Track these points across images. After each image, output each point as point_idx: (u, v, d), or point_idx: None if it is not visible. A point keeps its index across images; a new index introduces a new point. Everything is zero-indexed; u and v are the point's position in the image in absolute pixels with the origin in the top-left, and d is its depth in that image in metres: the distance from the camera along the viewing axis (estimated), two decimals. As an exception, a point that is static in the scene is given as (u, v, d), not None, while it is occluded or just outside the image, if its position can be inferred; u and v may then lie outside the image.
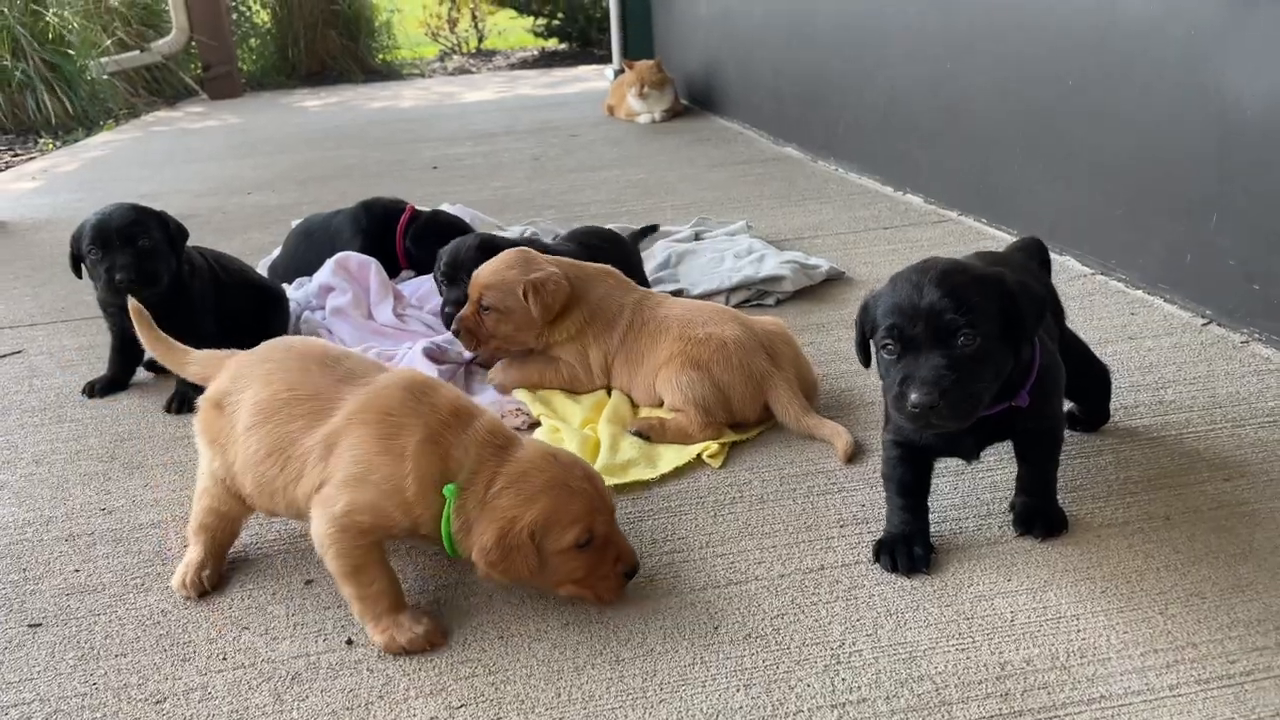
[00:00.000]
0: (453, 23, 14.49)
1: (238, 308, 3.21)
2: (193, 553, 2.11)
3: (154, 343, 2.25)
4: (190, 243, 3.21)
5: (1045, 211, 3.86)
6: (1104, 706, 1.63)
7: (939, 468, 2.31)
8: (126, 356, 3.19)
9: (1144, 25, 3.22)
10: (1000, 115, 4.08)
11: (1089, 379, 2.41)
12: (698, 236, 4.11)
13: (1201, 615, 1.82)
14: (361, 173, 6.55)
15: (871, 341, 1.92)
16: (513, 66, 13.07)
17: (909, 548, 2.01)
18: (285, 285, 3.73)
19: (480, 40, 14.60)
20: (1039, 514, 2.08)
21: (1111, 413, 2.50)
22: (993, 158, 4.17)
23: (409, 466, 1.82)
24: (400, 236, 3.84)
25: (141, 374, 3.27)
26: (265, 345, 2.13)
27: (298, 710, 1.75)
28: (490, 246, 3.05)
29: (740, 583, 2.01)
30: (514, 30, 14.54)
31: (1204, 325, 3.06)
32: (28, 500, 2.53)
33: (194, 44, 11.40)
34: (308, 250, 3.75)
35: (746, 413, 2.60)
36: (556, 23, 13.32)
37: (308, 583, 2.10)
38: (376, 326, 3.34)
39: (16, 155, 8.34)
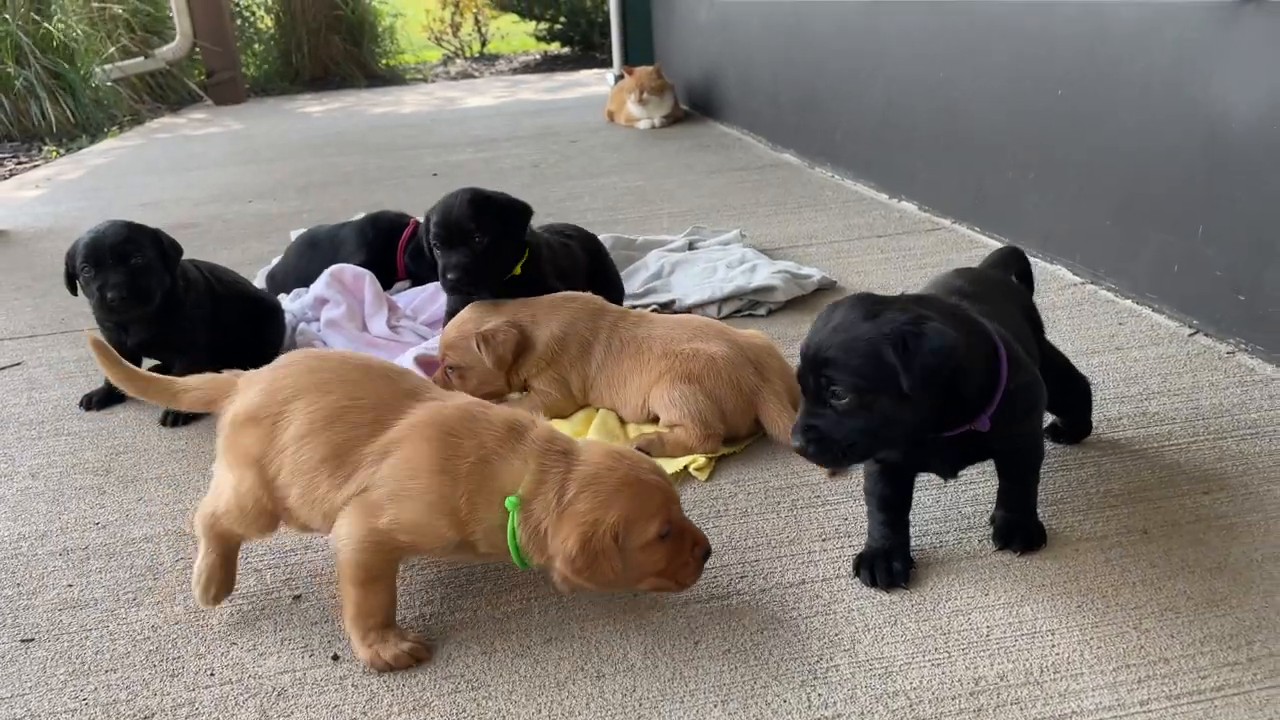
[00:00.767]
0: (455, 27, 14.53)
1: (233, 320, 3.24)
2: (209, 558, 2.07)
3: (131, 379, 2.15)
4: (189, 254, 3.24)
5: (1036, 220, 3.88)
6: (1075, 722, 1.65)
7: (921, 482, 2.34)
8: (123, 369, 3.22)
9: (1132, 36, 3.24)
10: (992, 124, 4.10)
11: (1070, 393, 2.43)
12: (691, 246, 4.13)
13: (1175, 630, 1.84)
14: (361, 180, 6.59)
15: None
16: (515, 71, 13.11)
17: (888, 562, 2.03)
18: (283, 295, 3.77)
19: (483, 44, 14.65)
20: (1018, 529, 2.10)
21: (1094, 425, 2.52)
22: (985, 166, 4.19)
23: (461, 489, 1.82)
24: (401, 251, 3.87)
25: (138, 386, 3.30)
26: (301, 356, 2.08)
27: (282, 726, 1.78)
28: (482, 199, 3.01)
29: (722, 598, 2.03)
30: (516, 34, 14.57)
31: (1191, 335, 3.08)
32: (23, 514, 2.56)
33: (198, 50, 11.45)
34: (311, 261, 3.78)
35: (738, 426, 2.62)
36: (559, 27, 13.36)
37: (296, 598, 2.14)
38: (370, 338, 3.37)
39: (20, 163, 8.40)
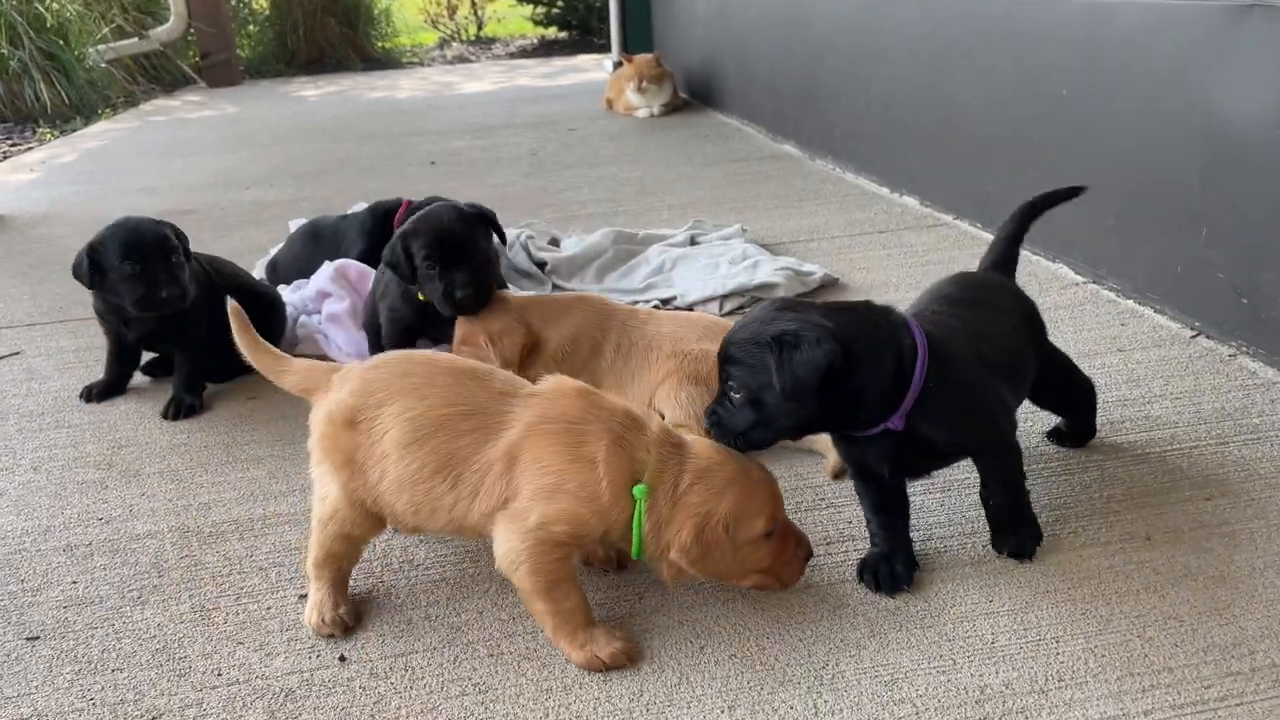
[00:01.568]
0: (452, 10, 14.47)
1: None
2: (319, 591, 2.02)
3: (253, 348, 2.17)
4: (194, 236, 3.23)
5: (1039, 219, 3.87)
6: (1080, 731, 1.66)
7: (925, 485, 2.35)
8: (124, 362, 3.21)
9: (1136, 37, 3.24)
10: (994, 121, 4.09)
11: (1073, 396, 2.44)
12: (693, 240, 4.12)
13: (1179, 639, 1.85)
14: (356, 167, 6.57)
15: None
16: (512, 55, 13.06)
17: (891, 567, 2.04)
18: (282, 286, 3.75)
19: (479, 28, 14.59)
20: (1003, 534, 2.11)
21: (1097, 428, 2.53)
22: (987, 163, 4.19)
23: (601, 471, 1.82)
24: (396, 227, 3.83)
25: (138, 378, 3.29)
26: (390, 359, 2.04)
27: (291, 728, 1.79)
28: (471, 211, 2.87)
29: (728, 602, 2.04)
30: (513, 18, 14.52)
31: (1193, 337, 3.09)
32: (26, 509, 2.56)
33: (192, 31, 11.38)
34: (315, 252, 3.77)
35: None
36: (556, 10, 13.30)
37: (301, 598, 2.13)
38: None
39: (15, 145, 8.35)
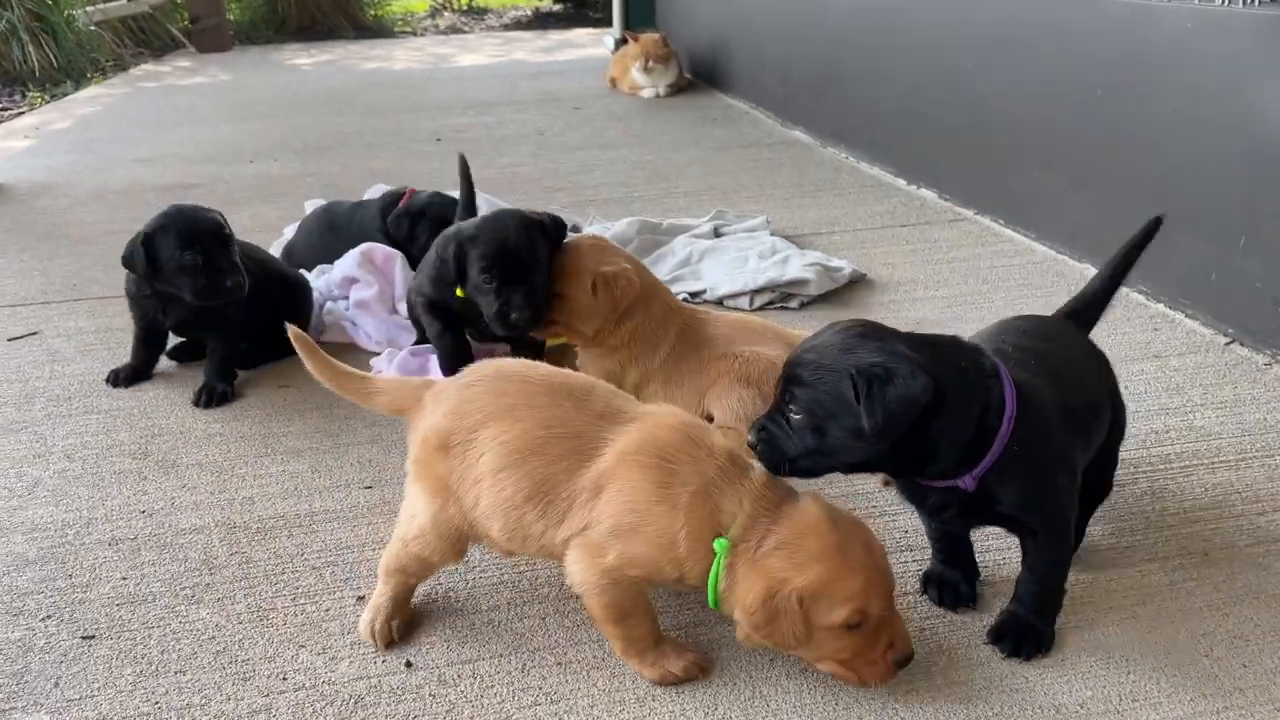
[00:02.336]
0: (444, -21, 14.27)
1: (262, 298, 3.17)
2: (382, 596, 2.00)
3: (333, 373, 2.05)
4: None
5: (1064, 217, 3.89)
6: (1159, 753, 1.68)
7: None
8: (150, 346, 3.16)
9: (1179, 43, 3.23)
10: (1022, 119, 4.09)
11: (1098, 476, 2.17)
12: (717, 231, 4.10)
13: (1246, 659, 1.87)
14: (361, 142, 6.48)
15: None
16: (506, 27, 12.91)
17: (955, 584, 2.03)
18: (304, 273, 3.70)
19: (472, -2, 14.40)
20: (1013, 627, 1.92)
21: (1143, 435, 2.55)
22: (1012, 160, 4.19)
23: (681, 521, 1.72)
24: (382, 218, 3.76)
25: (165, 363, 3.24)
26: (486, 375, 1.95)
27: (365, 738, 1.78)
28: (535, 221, 2.69)
29: (792, 611, 2.04)
30: (506, -11, 14.34)
31: (1227, 344, 3.11)
32: (65, 499, 2.52)
33: (183, -6, 11.19)
34: (332, 240, 3.71)
35: None
36: (551, -17, 13.16)
37: (360, 599, 2.12)
38: (402, 321, 3.33)
39: (5, 109, 8.18)
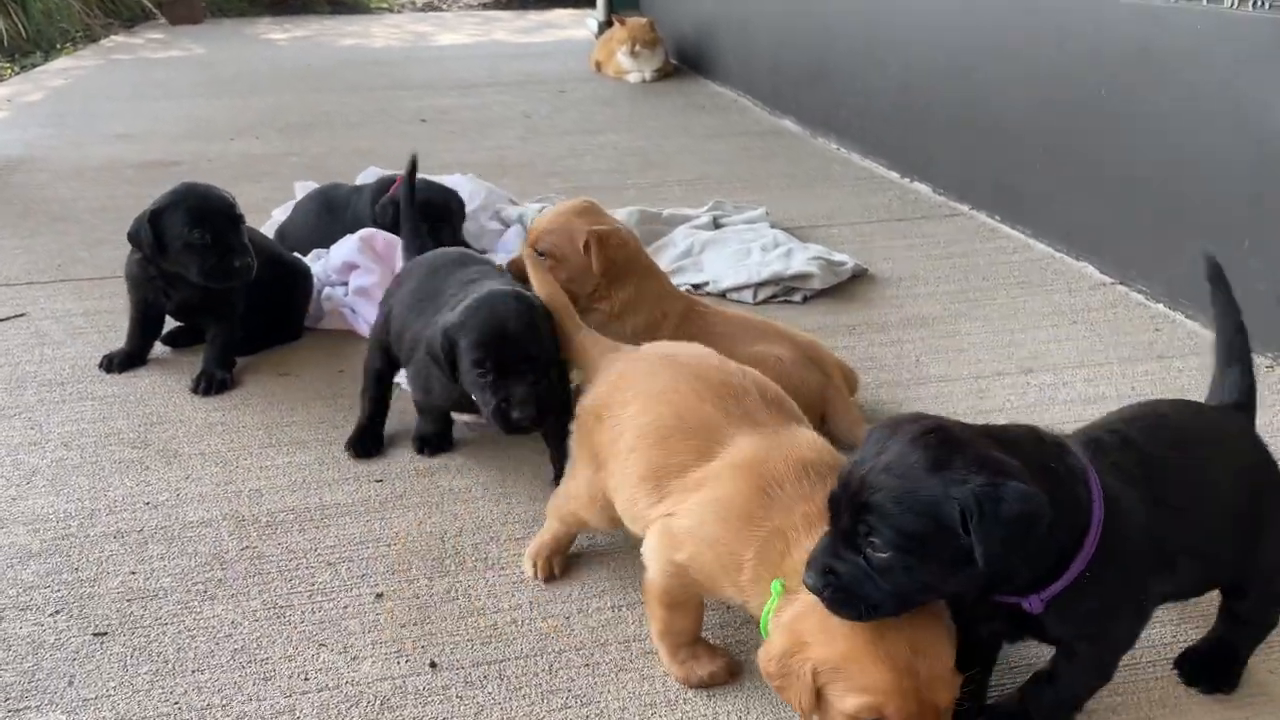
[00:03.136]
0: (421, -45, 14.07)
1: (263, 283, 3.11)
2: (546, 533, 2.14)
3: (554, 295, 2.27)
4: None
5: (1063, 215, 3.90)
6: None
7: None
8: (147, 331, 3.09)
9: (1187, 47, 3.24)
10: (1022, 115, 4.09)
11: (1245, 609, 1.82)
12: (716, 222, 4.07)
13: (1272, 665, 1.88)
14: (344, 121, 6.39)
15: None
16: (484, 5, 12.77)
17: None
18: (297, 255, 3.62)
19: (449, -25, 14.22)
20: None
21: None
22: (1010, 156, 4.19)
23: (752, 552, 1.63)
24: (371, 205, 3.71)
25: (159, 349, 3.17)
26: (651, 353, 2.02)
27: (394, 741, 1.75)
28: (539, 305, 2.30)
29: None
30: (484, -33, 14.17)
31: (1228, 346, 3.13)
32: (65, 489, 2.46)
33: (154, -35, 10.96)
34: (329, 224, 3.63)
35: None
36: (530, -37, 13.01)
37: (378, 596, 2.08)
38: (403, 308, 3.27)
39: (-27, 79, 7.97)
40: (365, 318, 3.27)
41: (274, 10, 11.97)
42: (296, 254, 3.48)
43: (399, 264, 3.33)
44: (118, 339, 3.17)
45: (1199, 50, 3.20)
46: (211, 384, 2.92)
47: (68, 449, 2.64)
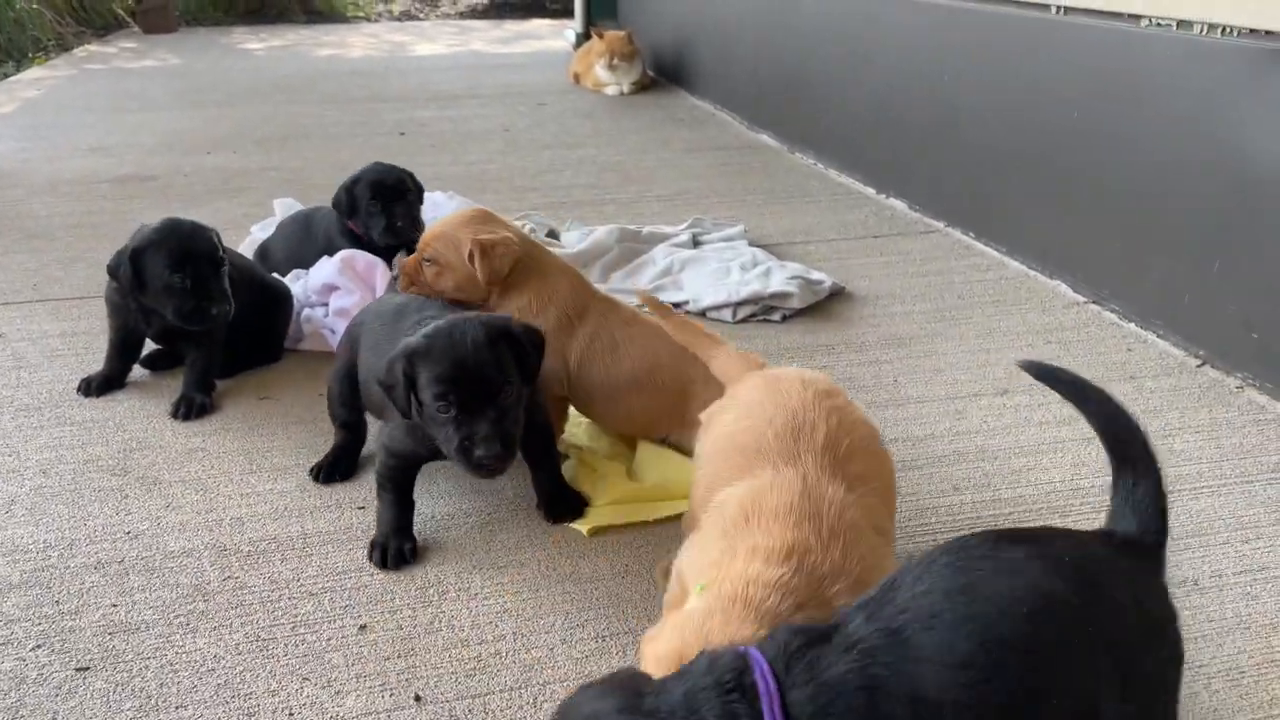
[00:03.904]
0: (397, -36, 14.05)
1: (244, 307, 3.10)
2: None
3: (685, 330, 2.34)
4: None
5: (1037, 233, 3.95)
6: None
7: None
8: (126, 354, 3.08)
9: (1159, 72, 3.29)
10: (995, 135, 4.14)
11: None
12: (695, 240, 4.10)
13: (1243, 690, 1.92)
14: (322, 134, 6.38)
15: None
16: (462, 15, 12.78)
17: None
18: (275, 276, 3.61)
19: (425, -17, 14.21)
20: None
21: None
22: (985, 173, 4.24)
23: (714, 623, 1.46)
24: None
25: (138, 371, 3.16)
26: (770, 374, 2.03)
27: (379, 776, 1.75)
28: (503, 330, 2.21)
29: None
30: (461, -25, 14.16)
31: (1199, 366, 3.18)
32: (44, 519, 2.45)
33: (128, -27, 10.90)
34: (311, 244, 3.64)
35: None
36: (507, -29, 13.03)
37: (361, 628, 2.09)
38: (383, 329, 3.28)
39: (-56, 90, 7.90)
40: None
41: (249, 20, 11.94)
42: (276, 275, 3.48)
43: (380, 285, 3.35)
44: (95, 361, 3.16)
45: (1171, 76, 3.26)
46: (191, 409, 2.91)
47: (46, 476, 2.63)
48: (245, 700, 1.91)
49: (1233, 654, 2.01)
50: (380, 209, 3.45)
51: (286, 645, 2.04)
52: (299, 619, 2.12)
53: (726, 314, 3.51)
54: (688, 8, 7.49)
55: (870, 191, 5.05)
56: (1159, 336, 3.38)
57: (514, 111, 6.99)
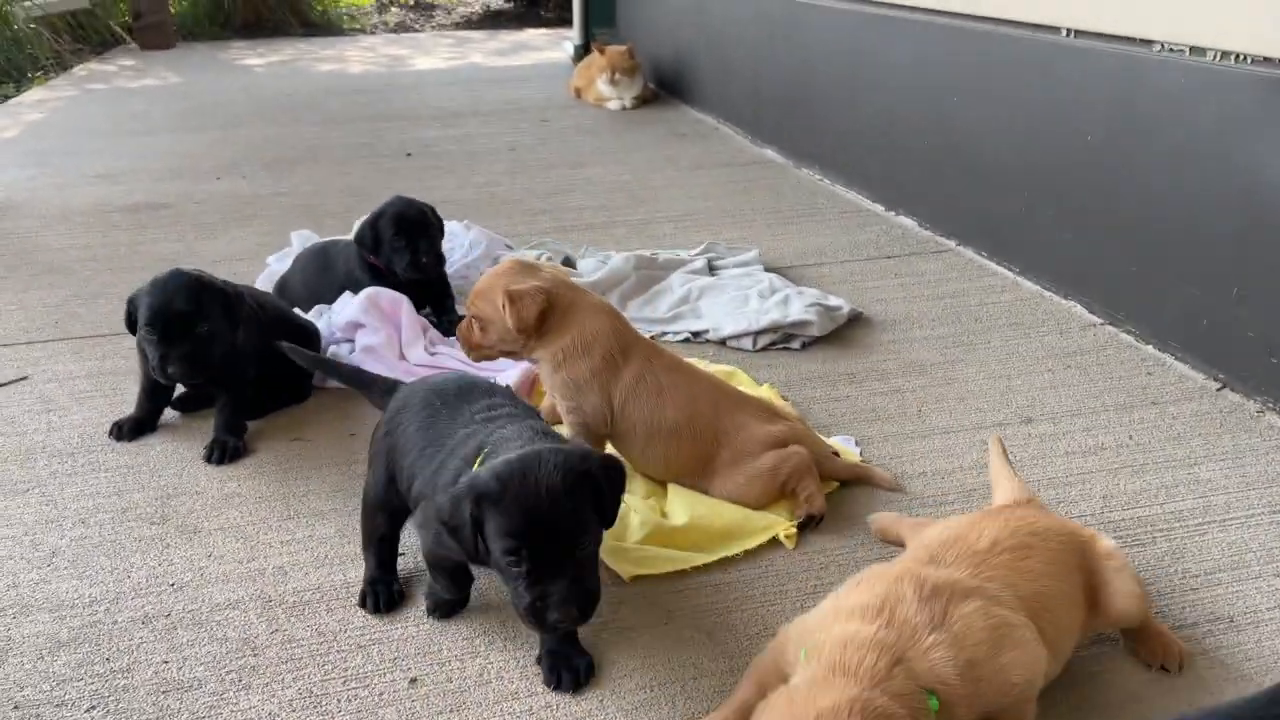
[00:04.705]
0: (391, -27, 14.07)
1: (273, 348, 3.13)
2: None
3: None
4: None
5: (1050, 253, 3.98)
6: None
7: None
8: (156, 398, 3.10)
9: (1174, 97, 3.32)
10: (1008, 157, 4.17)
11: None
12: (711, 266, 4.12)
13: (1284, 730, 1.95)
14: (330, 157, 6.39)
15: None
16: (457, 25, 12.79)
17: None
18: (297, 311, 3.63)
19: (420, -7, 14.22)
20: None
21: (1155, 489, 2.65)
22: (997, 194, 4.27)
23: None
24: None
25: (168, 413, 3.18)
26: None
27: (441, 836, 1.78)
28: (577, 470, 1.91)
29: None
30: (455, -15, 14.18)
31: (1219, 390, 3.22)
32: (88, 572, 2.47)
33: (125, -10, 10.89)
34: (330, 278, 3.67)
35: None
36: (502, -20, 13.05)
37: (412, 681, 2.11)
38: (409, 366, 3.30)
39: (-54, 114, 7.90)
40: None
41: (245, 34, 11.93)
42: (299, 311, 3.51)
43: (405, 323, 3.37)
44: (123, 402, 3.19)
45: (1183, 101, 3.29)
46: (225, 453, 2.93)
47: (86, 526, 2.65)
48: (303, 759, 1.93)
49: (1272, 693, 2.04)
50: (404, 244, 3.49)
51: (339, 701, 2.07)
52: (349, 673, 2.14)
53: (747, 343, 3.54)
54: (687, 19, 7.51)
55: (879, 209, 5.08)
56: (1177, 359, 3.42)
57: (518, 129, 7.01)
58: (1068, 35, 3.81)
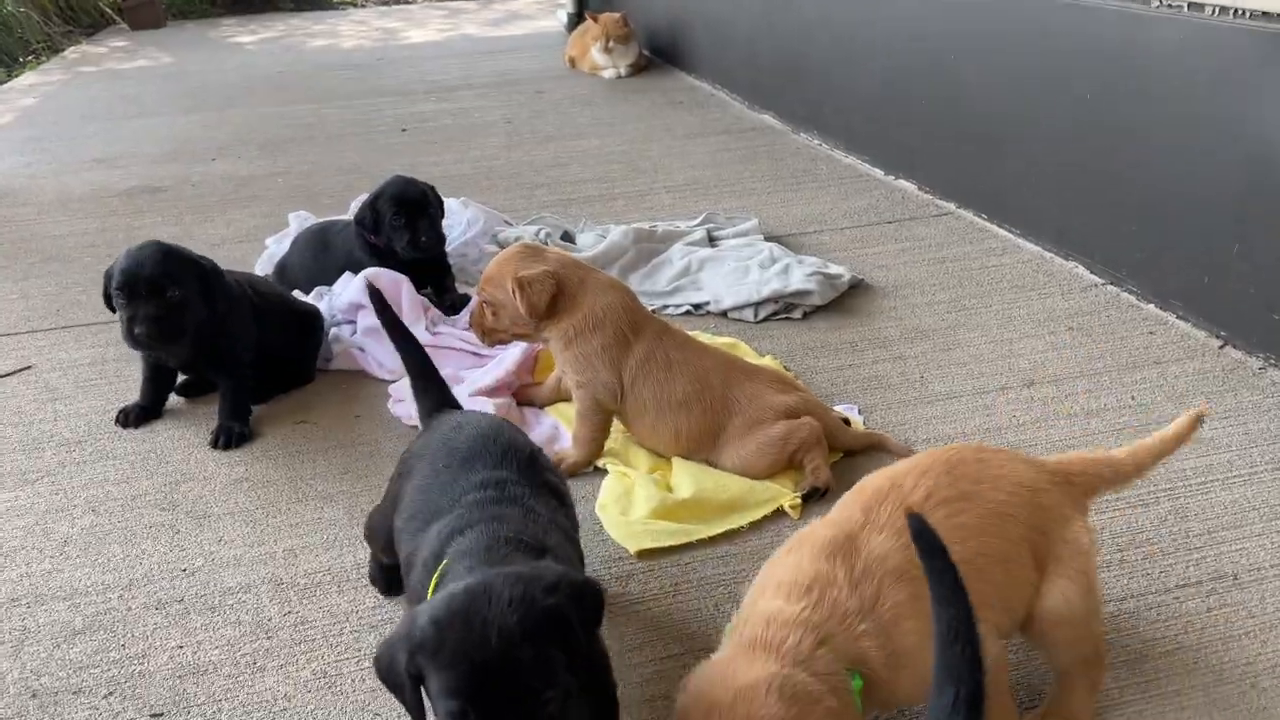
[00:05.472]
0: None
1: (272, 332, 3.14)
2: None
3: None
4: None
5: (1050, 214, 3.97)
6: (1222, 790, 1.77)
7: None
8: (159, 385, 3.12)
9: (1174, 54, 3.30)
10: (1007, 116, 4.15)
11: None
12: (710, 236, 4.12)
13: (1289, 687, 1.98)
14: (325, 135, 6.36)
15: None
16: (448, -4, 12.68)
17: None
18: (297, 293, 3.63)
19: (410, -36, 14.08)
20: None
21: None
22: (995, 154, 4.25)
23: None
24: None
25: (173, 399, 3.19)
26: (971, 452, 1.90)
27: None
28: (543, 616, 1.49)
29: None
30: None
31: (1221, 348, 3.22)
32: (100, 559, 2.49)
33: (113, -31, 10.81)
34: (329, 260, 3.67)
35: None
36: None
37: (424, 659, 2.13)
38: (411, 345, 3.31)
39: (-61, 102, 7.87)
40: (375, 357, 3.30)
41: (236, 10, 11.85)
42: (299, 294, 3.51)
43: (405, 303, 3.37)
44: (127, 389, 3.20)
45: (1183, 57, 3.27)
46: (231, 438, 2.95)
47: (96, 514, 2.67)
48: (320, 740, 1.96)
49: (1276, 650, 2.06)
50: (404, 223, 3.49)
51: (354, 680, 2.09)
52: (363, 653, 2.16)
53: (748, 314, 3.54)
54: (682, -13, 7.45)
55: (878, 173, 5.06)
56: (1179, 317, 3.41)
57: (513, 101, 6.97)
58: (1064, -7, 3.78)
